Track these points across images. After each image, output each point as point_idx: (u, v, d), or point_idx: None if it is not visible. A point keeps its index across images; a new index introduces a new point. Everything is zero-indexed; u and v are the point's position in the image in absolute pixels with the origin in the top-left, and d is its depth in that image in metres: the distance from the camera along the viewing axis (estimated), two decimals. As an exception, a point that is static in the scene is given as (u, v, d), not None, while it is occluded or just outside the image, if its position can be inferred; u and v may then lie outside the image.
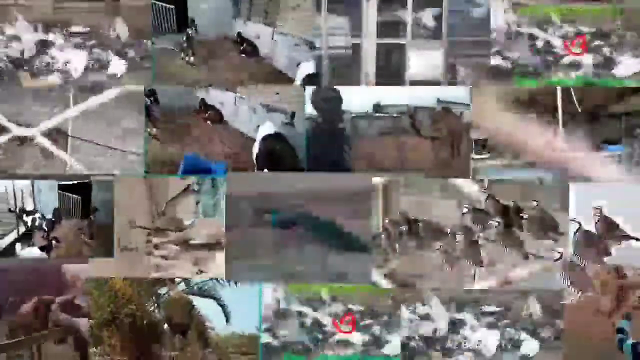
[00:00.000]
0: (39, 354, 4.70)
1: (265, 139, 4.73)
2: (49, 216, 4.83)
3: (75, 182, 4.76)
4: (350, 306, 4.58)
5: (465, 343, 4.53)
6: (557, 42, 4.67)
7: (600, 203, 4.46)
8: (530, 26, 4.69)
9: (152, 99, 4.80)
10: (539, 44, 4.69)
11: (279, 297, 4.60)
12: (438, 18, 4.73)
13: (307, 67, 4.73)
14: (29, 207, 4.83)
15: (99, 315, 4.64)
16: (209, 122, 4.96)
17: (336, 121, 4.69)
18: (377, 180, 4.61)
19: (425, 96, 4.66)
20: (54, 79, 4.78)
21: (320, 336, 4.58)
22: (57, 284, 4.72)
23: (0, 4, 4.84)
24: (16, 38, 4.81)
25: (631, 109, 4.61)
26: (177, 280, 4.71)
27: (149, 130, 4.80)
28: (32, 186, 4.81)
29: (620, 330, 4.35)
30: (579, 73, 4.64)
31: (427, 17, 4.75)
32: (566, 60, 4.66)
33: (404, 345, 4.53)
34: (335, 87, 4.69)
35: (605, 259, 4.49)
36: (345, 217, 4.54)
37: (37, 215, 4.83)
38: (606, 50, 4.66)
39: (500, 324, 4.54)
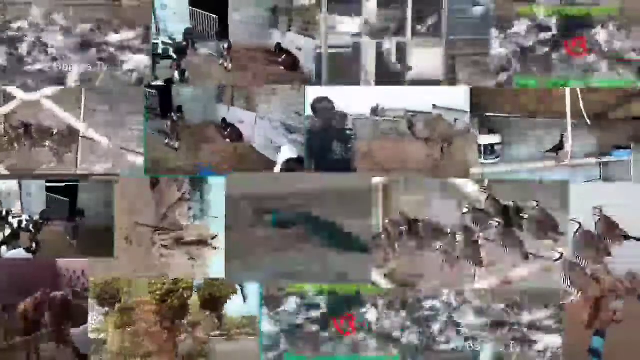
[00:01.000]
0: (36, 355, 4.69)
1: (288, 161, 4.79)
2: (36, 217, 4.84)
3: (63, 184, 4.81)
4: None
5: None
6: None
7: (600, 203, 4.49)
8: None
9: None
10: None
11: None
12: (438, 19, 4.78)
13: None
14: (16, 209, 4.85)
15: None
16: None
17: (336, 122, 4.72)
18: (377, 180, 4.61)
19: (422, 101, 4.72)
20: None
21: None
22: (50, 281, 4.73)
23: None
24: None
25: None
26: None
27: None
28: (20, 188, 4.83)
29: (593, 352, 4.31)
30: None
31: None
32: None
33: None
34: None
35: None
36: (345, 217, 4.54)
37: (24, 217, 4.83)
38: None
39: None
